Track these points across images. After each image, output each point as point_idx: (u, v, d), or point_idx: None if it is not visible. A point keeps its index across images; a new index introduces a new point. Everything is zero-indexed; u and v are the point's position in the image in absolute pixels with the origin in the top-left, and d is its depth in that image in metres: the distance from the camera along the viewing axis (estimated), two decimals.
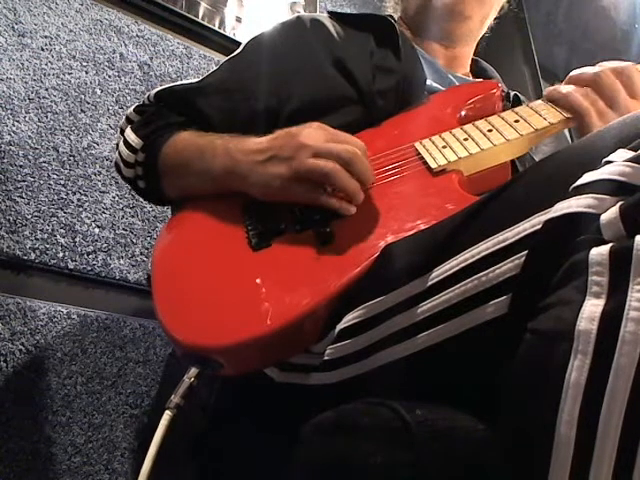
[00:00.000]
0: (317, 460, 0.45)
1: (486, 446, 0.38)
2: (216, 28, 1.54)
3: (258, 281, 0.56)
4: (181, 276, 0.61)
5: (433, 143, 0.66)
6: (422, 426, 0.40)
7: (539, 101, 0.66)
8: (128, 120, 0.78)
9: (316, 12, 1.77)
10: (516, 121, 0.64)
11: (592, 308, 0.31)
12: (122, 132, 0.77)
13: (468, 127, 0.67)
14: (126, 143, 0.74)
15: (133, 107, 0.79)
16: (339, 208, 0.58)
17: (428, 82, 0.80)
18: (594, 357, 0.30)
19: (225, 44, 1.55)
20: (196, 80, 0.81)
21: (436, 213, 0.54)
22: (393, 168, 0.65)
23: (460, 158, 0.62)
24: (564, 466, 0.30)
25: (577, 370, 0.30)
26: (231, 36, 1.56)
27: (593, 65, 0.64)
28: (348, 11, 1.95)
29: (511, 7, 0.97)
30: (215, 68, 0.83)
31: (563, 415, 0.30)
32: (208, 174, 0.67)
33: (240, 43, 1.61)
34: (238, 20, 1.61)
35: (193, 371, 0.53)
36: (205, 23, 1.52)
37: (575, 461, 0.29)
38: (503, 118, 0.65)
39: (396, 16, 0.97)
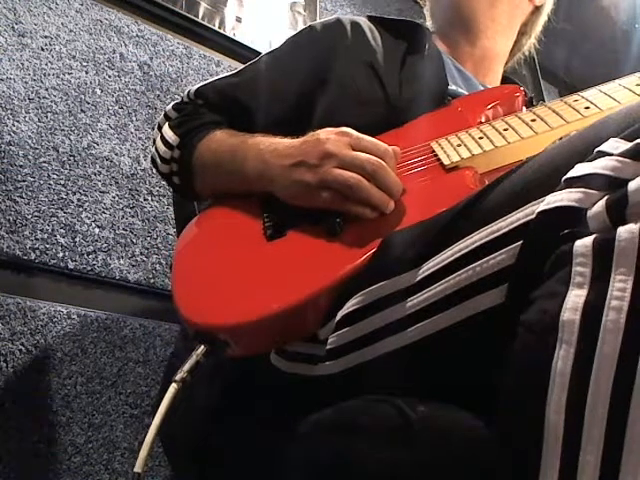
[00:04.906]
0: (316, 459, 0.45)
1: (487, 444, 0.38)
2: (216, 28, 1.54)
3: (268, 268, 0.59)
4: (199, 262, 0.65)
5: (449, 142, 0.67)
6: (424, 423, 0.41)
7: (557, 100, 0.66)
8: (166, 117, 0.80)
9: (316, 12, 1.78)
10: (533, 120, 0.64)
11: (575, 299, 0.32)
12: (160, 128, 0.80)
13: (485, 126, 0.68)
14: (163, 139, 0.77)
15: (172, 104, 0.81)
16: (361, 214, 0.59)
17: (453, 87, 0.82)
18: (578, 346, 0.31)
19: (225, 44, 1.55)
20: (232, 73, 0.83)
21: (444, 206, 0.54)
22: (407, 165, 0.66)
23: (473, 155, 0.63)
24: (555, 452, 0.31)
25: (562, 359, 0.31)
26: (231, 36, 1.56)
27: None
28: (348, 11, 1.95)
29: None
30: (253, 61, 0.85)
31: (552, 403, 0.31)
32: (239, 175, 0.69)
33: (240, 43, 1.62)
34: (238, 20, 1.61)
35: (202, 348, 0.55)
36: (205, 23, 1.52)
37: (565, 446, 0.30)
38: (520, 117, 0.66)
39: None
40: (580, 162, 0.38)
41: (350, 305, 0.51)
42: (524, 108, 0.77)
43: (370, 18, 0.89)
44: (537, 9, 0.97)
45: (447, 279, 0.44)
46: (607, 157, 0.36)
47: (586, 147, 0.40)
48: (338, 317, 0.52)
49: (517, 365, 0.35)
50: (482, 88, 0.89)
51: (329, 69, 0.80)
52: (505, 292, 0.40)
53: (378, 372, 0.49)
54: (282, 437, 0.53)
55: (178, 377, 0.54)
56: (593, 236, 0.33)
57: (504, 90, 0.80)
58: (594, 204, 0.34)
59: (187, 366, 0.54)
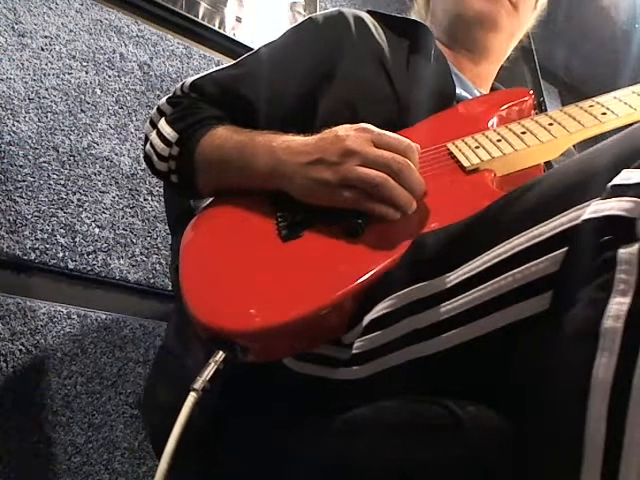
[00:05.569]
0: (356, 457, 0.44)
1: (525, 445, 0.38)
2: (216, 28, 1.54)
3: (286, 271, 0.56)
4: (210, 263, 0.61)
5: (466, 144, 0.67)
6: (475, 422, 0.41)
7: (572, 105, 0.66)
8: (160, 112, 0.76)
9: (316, 12, 1.77)
10: (550, 124, 0.64)
11: (617, 306, 0.32)
12: (153, 124, 0.75)
13: (501, 129, 0.67)
14: (160, 136, 0.72)
15: (165, 98, 0.77)
16: (385, 215, 0.56)
17: (458, 91, 0.81)
18: (620, 355, 0.31)
19: (225, 44, 1.55)
20: (230, 65, 0.79)
21: (471, 209, 0.53)
22: (425, 166, 0.65)
23: (494, 158, 0.62)
24: (596, 459, 0.31)
25: (604, 367, 0.31)
26: (231, 36, 1.56)
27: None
28: None
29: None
30: (251, 53, 0.81)
31: (592, 410, 0.31)
32: (249, 172, 0.66)
33: (240, 43, 1.62)
34: (238, 20, 1.61)
35: (220, 355, 0.53)
36: (205, 23, 1.52)
37: (606, 453, 0.30)
38: (537, 121, 0.66)
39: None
40: (626, 167, 0.37)
41: (380, 309, 0.49)
42: (532, 111, 0.76)
43: (371, 13, 0.87)
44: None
45: (485, 285, 0.43)
46: None
47: (631, 151, 0.39)
48: (366, 321, 0.50)
49: (557, 371, 0.35)
50: (478, 94, 0.88)
51: (334, 64, 0.77)
52: (549, 300, 0.39)
53: (406, 376, 0.48)
54: (293, 436, 0.53)
55: (197, 385, 0.50)
56: (639, 244, 0.33)
57: (514, 93, 0.80)
58: None
59: (206, 374, 0.51)
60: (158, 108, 0.77)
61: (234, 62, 0.81)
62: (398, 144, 0.58)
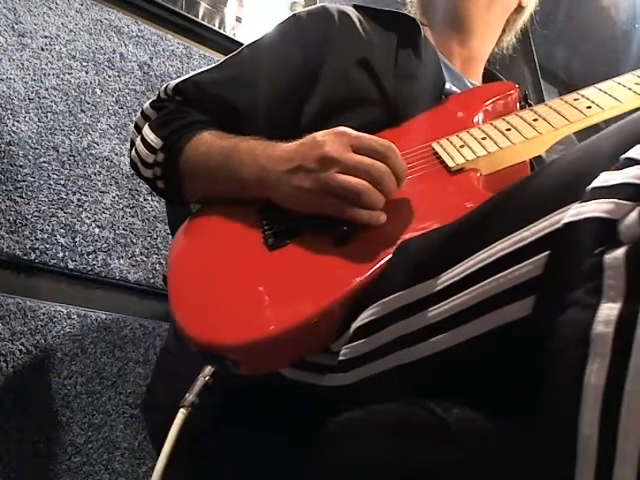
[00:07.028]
0: (349, 460, 0.44)
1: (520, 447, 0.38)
2: (216, 28, 1.54)
3: (273, 281, 0.56)
4: (197, 274, 0.61)
5: (451, 143, 0.66)
6: (461, 424, 0.41)
7: (557, 99, 0.65)
8: (145, 116, 0.75)
9: None
10: (535, 120, 0.63)
11: (608, 311, 0.32)
12: (138, 129, 0.74)
13: (486, 127, 0.66)
14: (145, 142, 0.71)
15: (149, 102, 0.76)
16: (369, 220, 0.56)
17: (447, 85, 0.80)
18: (612, 360, 0.31)
19: (225, 44, 1.55)
20: (213, 67, 0.78)
21: (456, 211, 0.52)
22: (410, 167, 0.64)
23: (479, 157, 0.62)
24: (589, 466, 0.30)
25: (595, 373, 0.31)
26: (231, 36, 1.56)
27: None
28: None
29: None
30: (235, 53, 0.80)
31: (585, 417, 0.31)
32: (236, 181, 0.65)
33: (240, 43, 1.62)
34: (238, 20, 1.61)
35: (209, 369, 0.52)
36: (205, 23, 1.52)
37: (599, 460, 0.30)
38: (521, 117, 0.65)
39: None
40: (605, 170, 0.37)
41: (365, 316, 0.49)
42: (517, 104, 0.76)
43: (356, 7, 0.85)
44: (521, 7, 0.96)
45: (470, 290, 0.43)
46: (637, 165, 0.35)
47: (610, 153, 0.39)
48: (352, 329, 0.50)
49: (547, 375, 0.35)
50: (470, 86, 0.87)
51: (320, 62, 0.76)
52: (532, 304, 0.39)
53: (393, 381, 0.48)
54: (282, 438, 0.53)
55: (187, 402, 0.49)
56: (625, 248, 0.32)
57: (499, 87, 0.79)
58: (626, 215, 0.33)
59: (196, 389, 0.50)
60: (142, 112, 0.76)
61: (218, 64, 0.79)
62: (378, 147, 0.57)
